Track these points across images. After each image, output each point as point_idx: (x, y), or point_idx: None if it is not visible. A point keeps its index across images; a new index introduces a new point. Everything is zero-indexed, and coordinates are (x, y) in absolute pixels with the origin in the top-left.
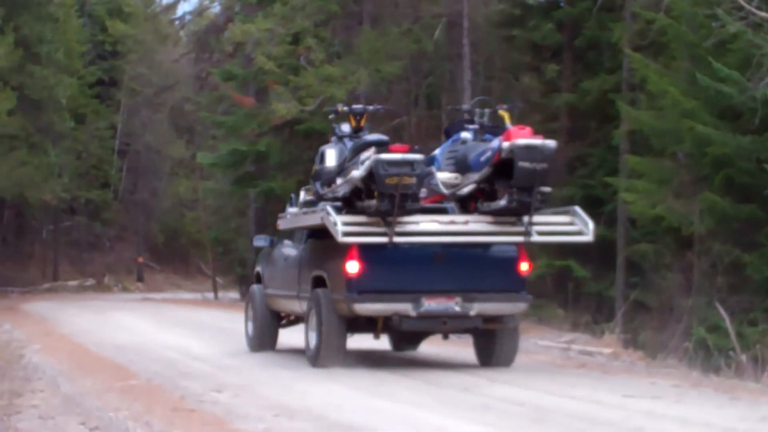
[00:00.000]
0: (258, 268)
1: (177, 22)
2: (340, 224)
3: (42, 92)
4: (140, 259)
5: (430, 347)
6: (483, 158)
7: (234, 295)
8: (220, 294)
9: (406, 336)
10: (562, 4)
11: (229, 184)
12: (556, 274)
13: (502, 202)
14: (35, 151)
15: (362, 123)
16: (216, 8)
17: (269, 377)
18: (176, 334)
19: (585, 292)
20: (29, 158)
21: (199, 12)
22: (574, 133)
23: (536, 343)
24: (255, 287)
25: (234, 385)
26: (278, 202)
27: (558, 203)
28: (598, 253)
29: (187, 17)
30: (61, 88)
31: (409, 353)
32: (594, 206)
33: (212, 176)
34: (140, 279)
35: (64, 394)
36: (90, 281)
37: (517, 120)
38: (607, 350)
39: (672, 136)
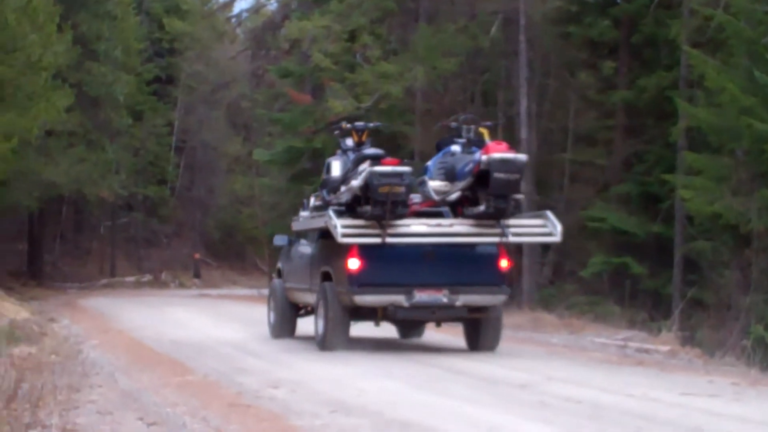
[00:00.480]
0: (279, 264)
1: (234, 20)
2: (339, 227)
3: (100, 89)
4: (197, 256)
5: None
6: (467, 169)
7: None
8: None
9: (405, 324)
10: (619, 1)
11: (285, 180)
12: (612, 272)
13: (482, 208)
14: (93, 148)
15: (364, 138)
16: (273, 5)
17: (325, 373)
18: (232, 330)
19: (642, 289)
20: (87, 155)
21: (256, 9)
22: (631, 130)
23: (593, 340)
24: (276, 281)
25: (290, 381)
26: None
27: (614, 200)
28: (656, 251)
29: (244, 14)
30: (119, 86)
31: (414, 340)
32: (651, 203)
33: (268, 173)
34: (197, 275)
35: (122, 389)
36: (147, 277)
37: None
38: (665, 348)
39: (730, 132)
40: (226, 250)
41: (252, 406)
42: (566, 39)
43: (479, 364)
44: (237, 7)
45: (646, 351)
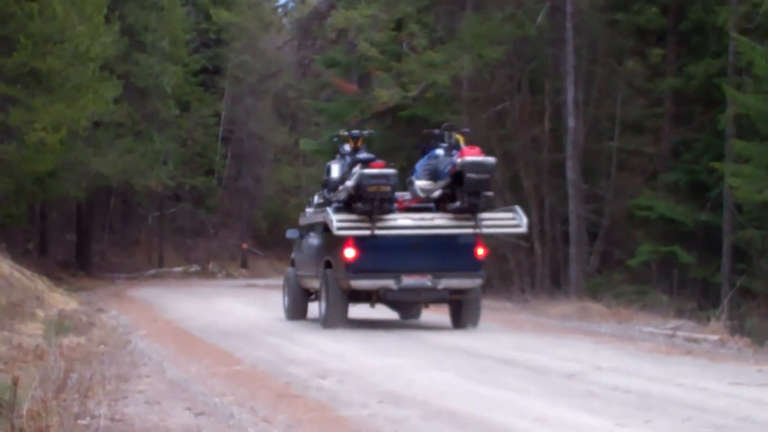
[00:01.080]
0: (292, 255)
1: (280, 10)
2: (335, 221)
3: (147, 80)
4: (244, 245)
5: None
6: (446, 170)
7: None
8: None
9: (397, 306)
10: None
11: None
12: (660, 260)
13: (458, 204)
14: (141, 139)
15: (359, 144)
16: None
17: (374, 364)
18: (280, 320)
19: (690, 278)
20: (135, 146)
21: None
22: (679, 118)
23: (641, 329)
24: (290, 270)
25: (338, 372)
26: None
27: (662, 188)
28: (704, 239)
29: (290, 4)
30: (166, 76)
31: (413, 321)
32: (699, 191)
33: (315, 163)
34: (244, 265)
35: (170, 379)
36: (194, 267)
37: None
38: (714, 337)
39: None
40: (273, 240)
41: (300, 397)
42: (614, 26)
43: (528, 354)
44: None
45: (695, 340)
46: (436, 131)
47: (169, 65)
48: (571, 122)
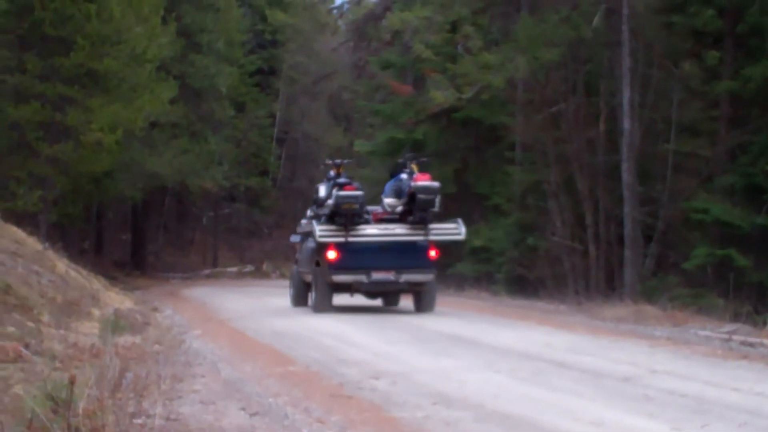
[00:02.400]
0: (296, 255)
1: (335, 11)
2: (317, 231)
3: (203, 81)
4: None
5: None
6: (406, 191)
7: None
8: None
9: (371, 296)
10: None
11: (386, 172)
12: (716, 264)
13: (412, 218)
14: (196, 139)
15: (340, 170)
16: None
17: (427, 366)
18: (333, 321)
19: (746, 281)
20: (190, 146)
21: (358, 1)
22: (736, 121)
23: (696, 333)
24: (294, 267)
25: (392, 373)
26: None
27: (718, 191)
28: (761, 242)
29: (346, 6)
30: (222, 77)
31: (393, 307)
32: (756, 195)
33: (369, 164)
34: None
35: (225, 379)
36: (249, 267)
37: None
38: None
39: None
40: None
41: (353, 397)
42: (670, 28)
43: (583, 357)
44: None
45: (751, 344)
46: (400, 160)
47: (224, 66)
48: (626, 124)
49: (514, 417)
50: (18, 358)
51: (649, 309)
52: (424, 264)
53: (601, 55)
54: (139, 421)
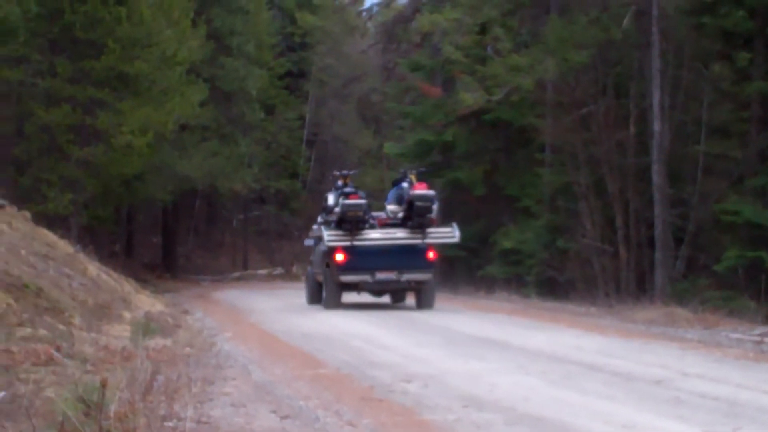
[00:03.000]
0: (311, 258)
1: (364, 14)
2: (326, 236)
3: (233, 84)
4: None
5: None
6: (406, 198)
7: None
8: None
9: (377, 294)
10: None
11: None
12: (747, 266)
13: (411, 223)
14: (226, 142)
15: (347, 180)
16: None
17: (457, 368)
18: (362, 323)
19: None
20: (220, 149)
21: (387, 3)
22: (767, 122)
23: (728, 336)
24: (309, 268)
25: (422, 376)
26: (465, 192)
27: (749, 193)
28: None
29: (375, 8)
30: (252, 80)
31: (400, 304)
32: None
33: (399, 166)
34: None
35: (255, 382)
36: (279, 270)
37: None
38: None
39: None
40: None
41: (384, 400)
42: (700, 30)
43: (614, 360)
44: (368, 1)
45: None
46: (401, 170)
47: (254, 69)
48: (656, 126)
49: (545, 420)
50: (50, 361)
51: (679, 311)
52: (423, 264)
53: (631, 56)
54: (170, 424)
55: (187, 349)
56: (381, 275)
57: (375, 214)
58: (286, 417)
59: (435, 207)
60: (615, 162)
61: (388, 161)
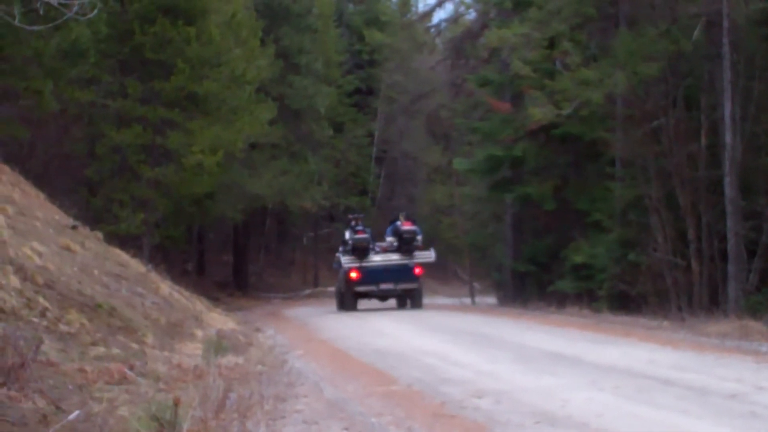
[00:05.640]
0: (338, 278)
1: (433, 30)
2: (343, 261)
3: (302, 102)
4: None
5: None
6: (399, 232)
7: (491, 300)
8: (477, 299)
9: (384, 299)
10: None
11: (486, 189)
12: None
13: (402, 249)
14: (295, 160)
15: (358, 221)
16: (471, 14)
17: (529, 384)
18: (434, 340)
19: None
20: (290, 167)
21: (455, 19)
22: None
23: None
24: (336, 285)
25: (494, 392)
26: (535, 207)
27: None
28: None
29: (443, 24)
30: (320, 98)
31: (408, 309)
32: None
33: (468, 182)
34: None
35: (327, 399)
36: None
37: None
38: None
39: None
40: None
41: (456, 417)
42: None
43: (687, 374)
44: (436, 18)
45: None
46: (395, 213)
47: (322, 86)
48: (728, 138)
49: None
50: (123, 379)
51: (753, 324)
52: (412, 277)
53: (701, 68)
54: None
55: (259, 367)
56: (383, 286)
57: (379, 244)
58: None
59: (419, 237)
60: (686, 175)
61: (458, 177)
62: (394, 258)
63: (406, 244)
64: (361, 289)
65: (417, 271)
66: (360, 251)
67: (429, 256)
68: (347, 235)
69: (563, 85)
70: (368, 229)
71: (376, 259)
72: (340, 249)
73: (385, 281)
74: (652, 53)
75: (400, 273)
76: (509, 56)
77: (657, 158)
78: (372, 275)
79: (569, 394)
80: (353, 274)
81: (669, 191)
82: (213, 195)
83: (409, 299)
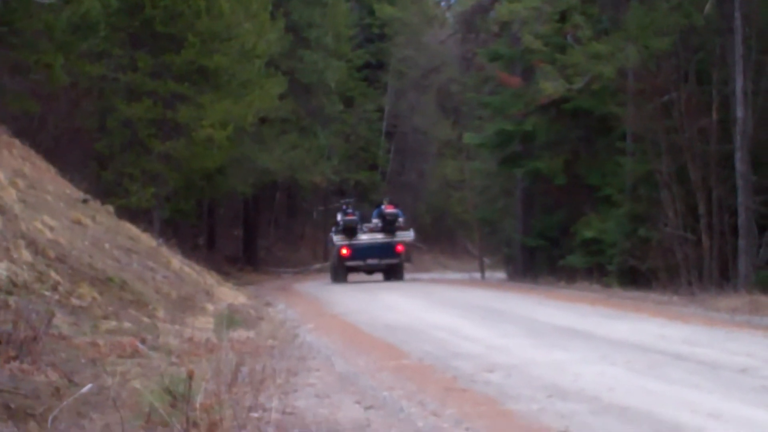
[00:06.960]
0: (331, 255)
1: (443, 4)
2: (335, 239)
3: (312, 76)
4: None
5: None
6: (383, 214)
7: (501, 275)
8: (487, 274)
9: (371, 272)
10: None
11: (496, 164)
12: None
13: (386, 229)
14: (305, 134)
15: (349, 206)
16: None
17: (541, 358)
18: (445, 314)
19: None
20: (300, 141)
21: None
22: None
23: None
24: (330, 261)
25: (505, 366)
26: (545, 182)
27: None
28: None
29: None
30: (330, 72)
31: (394, 282)
32: None
33: (478, 156)
34: (407, 259)
35: (339, 373)
36: None
37: None
38: None
39: None
40: (437, 234)
41: (468, 390)
42: None
43: (698, 348)
44: None
45: None
46: (380, 198)
47: (333, 61)
48: (739, 113)
49: (631, 409)
50: (135, 353)
51: (764, 299)
52: (394, 254)
53: (713, 42)
54: (256, 414)
55: (270, 341)
56: (370, 261)
57: (366, 225)
58: (370, 407)
59: (401, 219)
60: (697, 149)
61: (468, 152)
62: (379, 237)
63: (389, 225)
64: (350, 263)
65: (398, 248)
66: (349, 231)
67: (409, 235)
68: (339, 217)
69: (574, 59)
70: (357, 213)
71: (364, 237)
72: (333, 229)
73: (371, 257)
74: (663, 27)
75: (384, 250)
76: (520, 30)
77: (668, 133)
78: (360, 252)
79: (580, 368)
80: (344, 251)
81: (680, 166)
82: (223, 169)
83: (392, 272)
